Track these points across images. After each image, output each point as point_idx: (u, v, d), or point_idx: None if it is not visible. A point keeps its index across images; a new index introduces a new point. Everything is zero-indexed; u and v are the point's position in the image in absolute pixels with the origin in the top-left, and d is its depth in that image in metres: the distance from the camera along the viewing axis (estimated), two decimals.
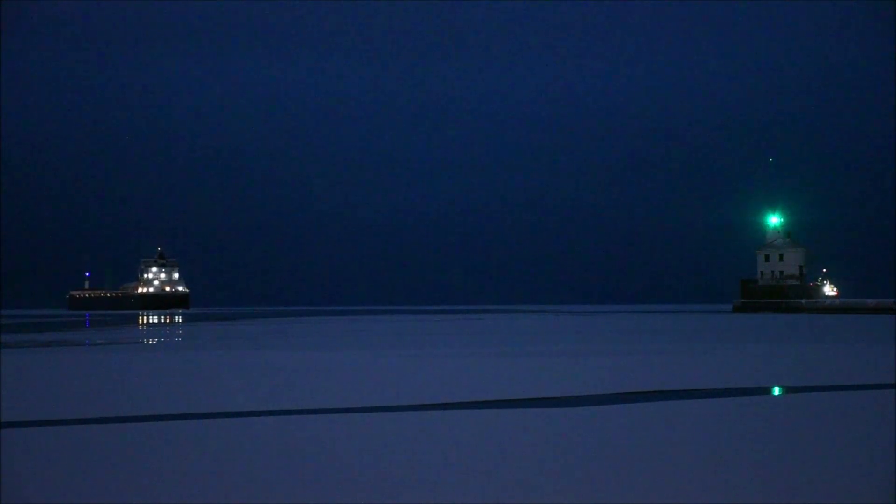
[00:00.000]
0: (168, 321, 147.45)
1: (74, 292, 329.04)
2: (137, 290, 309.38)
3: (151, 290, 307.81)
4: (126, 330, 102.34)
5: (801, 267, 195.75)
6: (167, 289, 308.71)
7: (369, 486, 14.56)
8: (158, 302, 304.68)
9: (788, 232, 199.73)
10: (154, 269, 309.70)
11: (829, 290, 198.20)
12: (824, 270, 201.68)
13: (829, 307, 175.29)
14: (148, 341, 72.35)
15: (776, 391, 29.73)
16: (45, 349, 59.29)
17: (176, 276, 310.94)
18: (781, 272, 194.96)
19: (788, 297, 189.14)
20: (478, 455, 17.25)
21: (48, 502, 13.65)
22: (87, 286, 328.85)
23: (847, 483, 14.41)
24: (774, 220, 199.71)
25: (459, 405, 25.90)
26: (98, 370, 39.78)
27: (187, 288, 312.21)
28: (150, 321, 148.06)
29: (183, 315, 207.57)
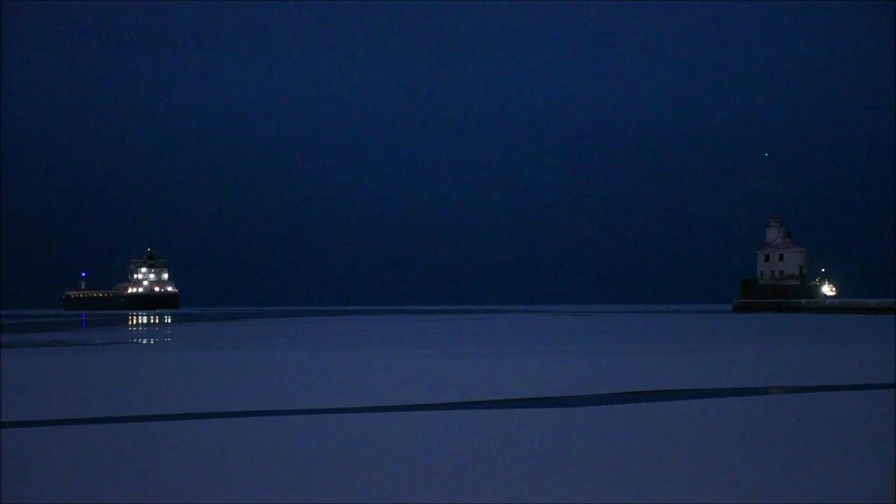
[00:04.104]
0: (159, 321, 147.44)
1: (70, 292, 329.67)
2: (128, 290, 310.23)
3: (141, 290, 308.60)
4: (121, 331, 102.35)
5: (801, 267, 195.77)
6: (156, 289, 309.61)
7: (369, 486, 14.55)
8: (147, 302, 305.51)
9: (788, 232, 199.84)
10: (143, 270, 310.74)
11: (827, 289, 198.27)
12: (823, 270, 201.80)
13: (830, 307, 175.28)
14: (143, 342, 72.36)
15: (776, 391, 29.73)
16: (44, 349, 59.30)
17: (165, 276, 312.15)
18: (781, 272, 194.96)
19: (788, 297, 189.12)
20: (477, 455, 17.24)
21: (48, 502, 13.65)
22: (83, 286, 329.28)
23: (847, 483, 14.41)
24: (774, 220, 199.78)
25: (459, 405, 25.90)
26: (97, 370, 39.78)
27: (176, 288, 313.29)
28: (142, 321, 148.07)
29: (173, 315, 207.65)
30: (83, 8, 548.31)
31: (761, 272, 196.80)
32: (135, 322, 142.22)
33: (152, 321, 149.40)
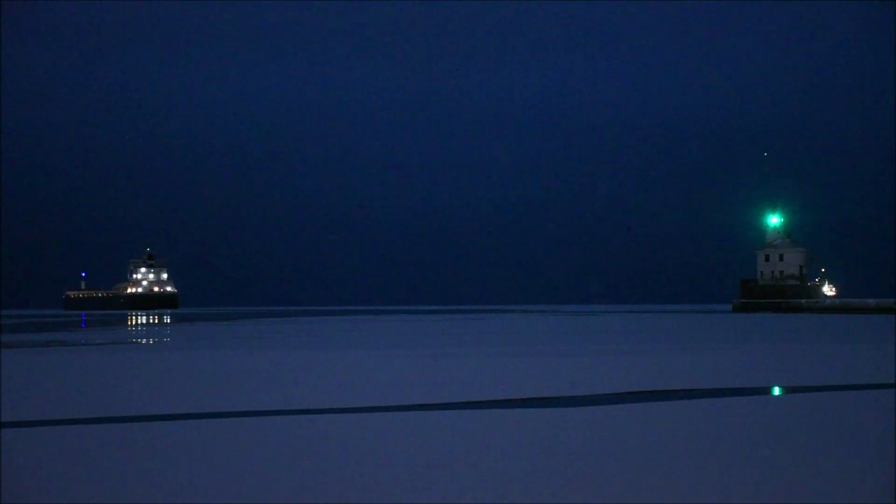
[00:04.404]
0: (159, 322, 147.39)
1: (70, 292, 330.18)
2: (127, 290, 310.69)
3: (140, 290, 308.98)
4: (121, 331, 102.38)
5: (801, 267, 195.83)
6: (155, 289, 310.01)
7: (369, 486, 14.56)
8: (146, 302, 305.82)
9: (788, 232, 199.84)
10: (143, 270, 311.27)
11: (827, 289, 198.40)
12: (822, 270, 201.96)
13: (830, 307, 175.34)
14: (143, 342, 72.36)
15: (776, 391, 29.74)
16: (44, 349, 59.28)
17: (164, 276, 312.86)
18: (781, 272, 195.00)
19: (788, 297, 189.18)
20: (478, 455, 17.25)
21: (48, 502, 13.65)
22: (83, 286, 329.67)
23: (847, 483, 14.41)
24: (774, 220, 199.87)
25: (459, 405, 25.89)
26: (97, 370, 39.77)
27: (175, 288, 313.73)
28: (141, 322, 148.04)
29: (172, 315, 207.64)
30: (83, 8, 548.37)
31: (761, 272, 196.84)
32: (134, 322, 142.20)
33: (152, 321, 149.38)
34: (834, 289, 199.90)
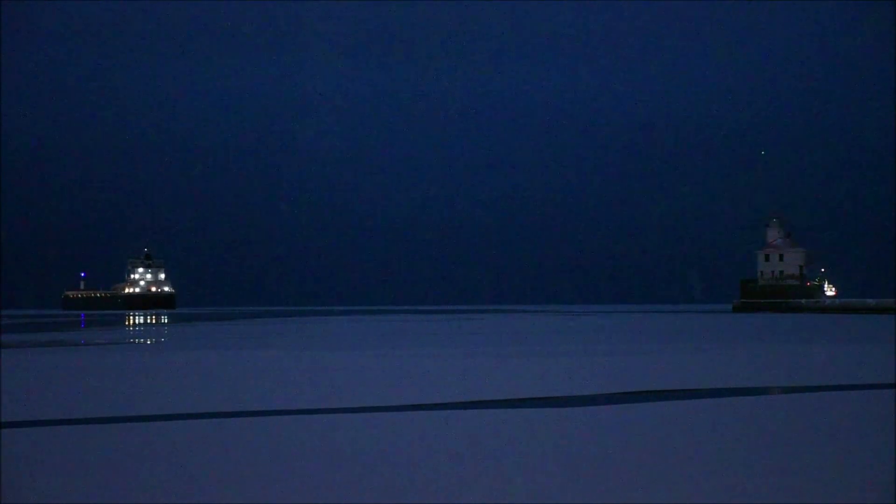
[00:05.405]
0: (156, 321, 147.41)
1: (69, 292, 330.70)
2: (125, 290, 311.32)
3: (138, 290, 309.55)
4: (120, 330, 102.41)
5: (801, 267, 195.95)
6: (153, 289, 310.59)
7: (369, 486, 14.56)
8: (144, 302, 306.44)
9: (788, 232, 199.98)
10: (140, 270, 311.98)
11: (827, 289, 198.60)
12: (822, 270, 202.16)
13: (830, 307, 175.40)
14: (142, 342, 72.36)
15: (776, 391, 29.73)
16: (44, 349, 59.28)
17: (162, 276, 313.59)
18: (781, 272, 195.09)
19: (788, 297, 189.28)
20: (477, 455, 17.25)
21: (48, 502, 13.65)
22: (82, 286, 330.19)
23: (847, 483, 14.41)
24: (774, 220, 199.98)
25: (459, 405, 25.89)
26: (97, 370, 39.76)
27: (173, 288, 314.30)
28: (139, 322, 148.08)
29: (170, 315, 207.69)
30: (82, 8, 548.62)
31: (761, 272, 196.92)
32: (132, 322, 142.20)
33: (149, 321, 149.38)
34: (834, 289, 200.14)
